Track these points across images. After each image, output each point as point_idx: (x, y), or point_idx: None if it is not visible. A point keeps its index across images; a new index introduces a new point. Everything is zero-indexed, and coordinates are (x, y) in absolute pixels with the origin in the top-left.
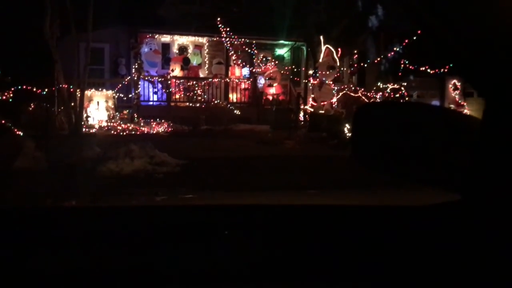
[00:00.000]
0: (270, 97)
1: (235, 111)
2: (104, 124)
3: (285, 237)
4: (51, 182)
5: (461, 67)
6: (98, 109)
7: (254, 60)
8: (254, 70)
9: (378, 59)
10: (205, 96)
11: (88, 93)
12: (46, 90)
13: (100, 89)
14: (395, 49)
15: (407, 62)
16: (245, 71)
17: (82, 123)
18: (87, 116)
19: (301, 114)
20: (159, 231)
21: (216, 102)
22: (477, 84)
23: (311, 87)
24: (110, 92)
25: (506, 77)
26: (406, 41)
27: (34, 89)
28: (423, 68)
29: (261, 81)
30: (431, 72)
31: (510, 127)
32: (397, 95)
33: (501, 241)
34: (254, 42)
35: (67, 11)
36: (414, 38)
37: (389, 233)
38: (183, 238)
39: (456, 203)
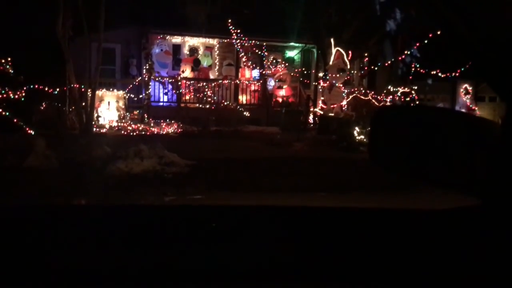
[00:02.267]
0: (280, 99)
1: (245, 113)
2: (114, 124)
3: (300, 238)
4: (60, 180)
5: (482, 68)
6: (109, 109)
7: (264, 62)
8: (264, 72)
9: (389, 62)
10: (215, 98)
11: (99, 93)
12: (57, 89)
13: (111, 89)
14: (406, 52)
15: (417, 65)
16: (255, 73)
17: (93, 122)
18: (98, 116)
19: (311, 117)
20: (169, 230)
21: (226, 103)
22: (497, 86)
23: (321, 90)
24: (121, 93)
25: None
26: (418, 44)
27: (46, 89)
28: (434, 72)
29: (271, 83)
30: (442, 76)
31: None
32: (408, 99)
33: None
34: (264, 44)
35: (79, 11)
36: (426, 41)
37: (407, 236)
38: (197, 237)
39: (475, 207)
